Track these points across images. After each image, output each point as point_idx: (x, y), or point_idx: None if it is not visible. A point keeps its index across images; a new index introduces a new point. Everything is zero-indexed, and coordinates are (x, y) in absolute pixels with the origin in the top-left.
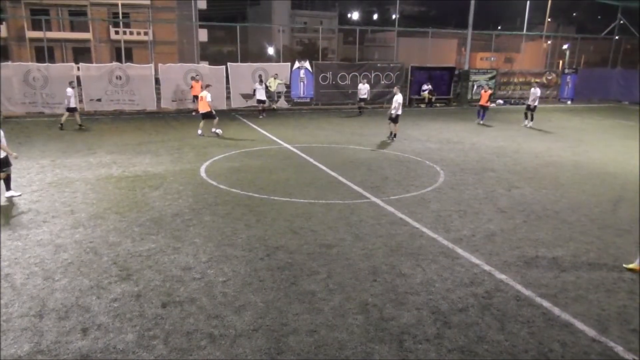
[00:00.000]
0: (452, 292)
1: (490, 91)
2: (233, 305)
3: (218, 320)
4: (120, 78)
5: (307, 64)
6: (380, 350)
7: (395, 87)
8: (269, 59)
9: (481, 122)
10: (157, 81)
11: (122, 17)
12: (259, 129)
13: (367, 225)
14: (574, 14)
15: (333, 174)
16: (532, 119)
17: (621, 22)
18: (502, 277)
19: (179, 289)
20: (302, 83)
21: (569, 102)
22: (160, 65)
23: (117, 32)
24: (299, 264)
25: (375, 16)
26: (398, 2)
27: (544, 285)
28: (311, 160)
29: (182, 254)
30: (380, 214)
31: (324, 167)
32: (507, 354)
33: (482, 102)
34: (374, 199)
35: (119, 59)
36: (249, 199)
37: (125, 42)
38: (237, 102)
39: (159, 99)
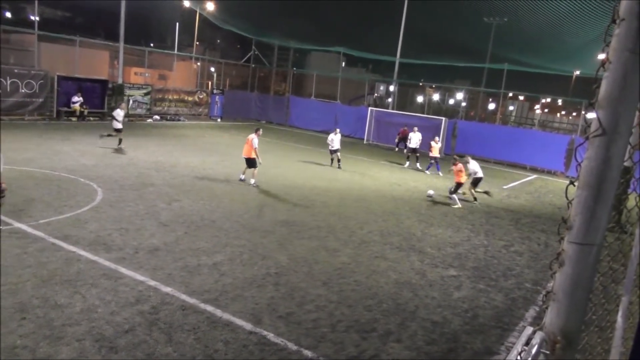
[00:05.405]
0: (117, 315)
1: None
2: None
3: None
4: None
5: None
6: None
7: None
8: None
9: None
10: None
11: None
12: None
13: (10, 256)
14: (218, 41)
15: None
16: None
17: (255, 52)
18: (168, 289)
19: None
20: None
21: (219, 120)
22: None
23: None
24: None
25: (8, 14)
26: (37, 2)
27: (206, 291)
28: None
29: None
30: (27, 241)
31: None
32: None
33: None
34: (17, 224)
35: None
36: None
37: None
38: None
39: None
